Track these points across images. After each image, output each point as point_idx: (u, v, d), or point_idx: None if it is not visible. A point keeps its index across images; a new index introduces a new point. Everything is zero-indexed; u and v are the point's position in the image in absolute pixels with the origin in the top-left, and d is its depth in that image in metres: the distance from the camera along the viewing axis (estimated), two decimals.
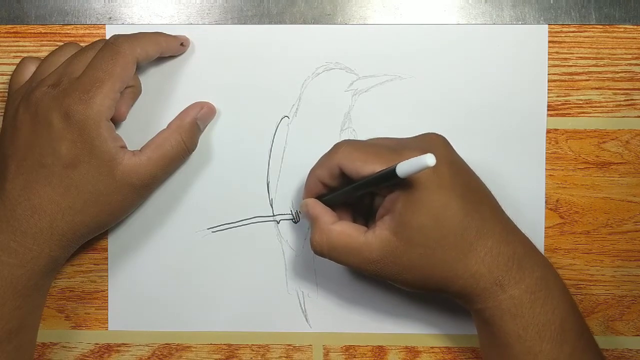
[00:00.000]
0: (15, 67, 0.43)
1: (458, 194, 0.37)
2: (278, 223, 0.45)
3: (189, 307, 0.45)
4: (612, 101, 0.44)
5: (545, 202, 0.45)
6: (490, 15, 0.45)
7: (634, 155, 0.44)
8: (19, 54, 0.45)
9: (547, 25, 0.44)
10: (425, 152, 0.33)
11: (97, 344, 0.46)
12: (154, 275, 0.45)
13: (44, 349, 0.46)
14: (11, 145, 0.40)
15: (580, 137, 0.45)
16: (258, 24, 0.45)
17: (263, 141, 0.45)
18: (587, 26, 0.44)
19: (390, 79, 0.44)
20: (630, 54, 0.44)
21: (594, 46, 0.44)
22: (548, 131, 0.44)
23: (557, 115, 0.44)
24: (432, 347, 0.45)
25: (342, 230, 0.39)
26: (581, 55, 0.44)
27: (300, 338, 0.45)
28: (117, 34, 0.41)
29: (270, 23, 0.45)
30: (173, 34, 0.44)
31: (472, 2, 0.45)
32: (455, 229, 0.37)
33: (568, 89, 0.44)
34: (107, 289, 0.45)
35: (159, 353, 0.46)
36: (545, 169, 0.45)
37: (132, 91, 0.43)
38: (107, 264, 0.45)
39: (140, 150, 0.41)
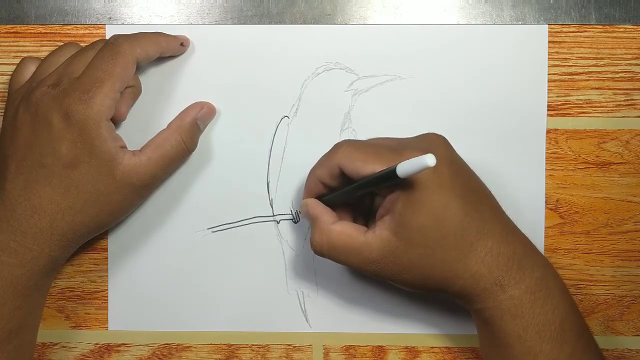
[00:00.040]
0: (15, 67, 0.43)
1: (458, 194, 0.37)
2: (278, 223, 0.45)
3: (189, 307, 0.45)
4: (612, 101, 0.44)
5: (545, 202, 0.45)
6: (490, 15, 0.45)
7: (634, 155, 0.44)
8: (19, 54, 0.45)
9: (547, 25, 0.44)
10: (426, 152, 0.33)
11: (97, 344, 0.46)
12: (154, 275, 0.45)
13: (44, 349, 0.46)
14: (11, 145, 0.40)
15: (580, 137, 0.45)
16: (258, 24, 0.45)
17: (263, 141, 0.45)
18: (587, 26, 0.44)
19: (390, 79, 0.44)
20: (630, 54, 0.44)
21: (594, 46, 0.44)
22: (548, 131, 0.44)
23: (557, 115, 0.44)
24: (432, 347, 0.45)
25: (342, 230, 0.39)
26: (581, 55, 0.44)
27: (300, 338, 0.45)
28: (117, 34, 0.41)
29: (270, 23, 0.45)
30: (173, 34, 0.44)
31: (472, 2, 0.45)
32: (455, 229, 0.37)
33: (568, 89, 0.44)
34: (107, 289, 0.45)
35: (159, 353, 0.46)
36: (545, 169, 0.45)
37: (132, 91, 0.43)
38: (107, 264, 0.45)
39: (140, 150, 0.41)
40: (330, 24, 0.45)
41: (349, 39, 0.44)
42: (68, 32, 0.45)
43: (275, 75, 0.45)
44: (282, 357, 0.46)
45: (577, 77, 0.44)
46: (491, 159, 0.44)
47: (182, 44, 0.44)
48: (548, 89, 0.44)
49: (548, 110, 0.44)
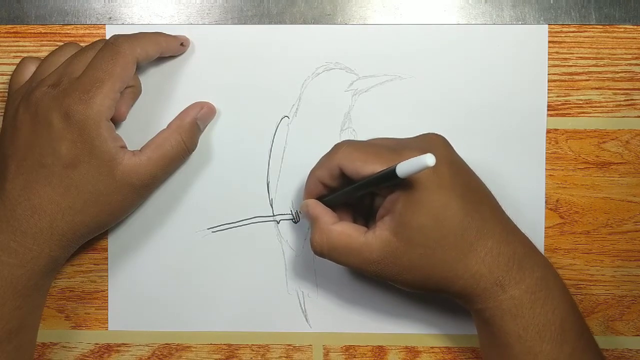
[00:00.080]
0: (15, 67, 0.43)
1: (458, 194, 0.37)
2: (278, 223, 0.45)
3: (189, 307, 0.45)
4: (612, 101, 0.44)
5: (545, 202, 0.45)
6: (490, 15, 0.45)
7: (634, 155, 0.44)
8: (19, 54, 0.45)
9: (547, 25, 0.44)
10: (425, 152, 0.33)
11: (97, 344, 0.46)
12: (154, 275, 0.45)
13: (44, 349, 0.46)
14: (11, 145, 0.40)
15: (580, 137, 0.45)
16: (258, 24, 0.45)
17: (263, 141, 0.45)
18: (587, 26, 0.44)
19: (390, 79, 0.44)
20: (630, 54, 0.44)
21: (594, 46, 0.44)
22: (548, 131, 0.44)
23: (557, 115, 0.44)
24: (432, 347, 0.45)
25: (342, 230, 0.39)
26: (581, 55, 0.44)
27: (300, 338, 0.45)
28: (117, 34, 0.41)
29: (270, 23, 0.45)
30: (173, 34, 0.44)
31: (472, 2, 0.45)
32: (456, 229, 0.37)
33: (568, 89, 0.44)
34: (107, 289, 0.45)
35: (159, 353, 0.46)
36: (545, 169, 0.45)
37: (132, 91, 0.43)
38: (107, 264, 0.45)
39: (140, 150, 0.41)
40: (330, 24, 0.45)
41: (349, 39, 0.44)
42: (68, 32, 0.45)
43: (275, 75, 0.45)
44: (282, 357, 0.46)
45: (577, 77, 0.44)
46: (491, 159, 0.44)
47: (182, 44, 0.44)
48: (548, 89, 0.44)
49: (548, 110, 0.44)
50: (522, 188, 0.44)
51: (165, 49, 0.43)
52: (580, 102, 0.44)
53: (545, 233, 0.45)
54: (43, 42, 0.45)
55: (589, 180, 0.45)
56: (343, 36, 0.44)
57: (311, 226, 0.41)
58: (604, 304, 0.45)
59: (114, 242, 0.45)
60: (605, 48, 0.44)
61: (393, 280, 0.39)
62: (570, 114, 0.44)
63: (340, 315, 0.45)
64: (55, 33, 0.45)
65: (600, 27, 0.44)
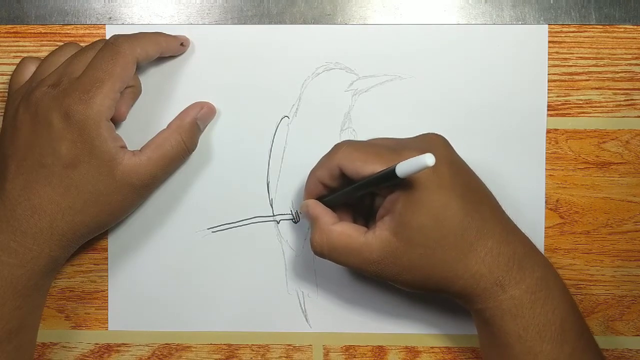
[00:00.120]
0: (15, 67, 0.43)
1: (458, 194, 0.37)
2: (278, 223, 0.45)
3: (189, 307, 0.45)
4: (612, 101, 0.44)
5: (545, 202, 0.45)
6: (490, 15, 0.45)
7: (634, 155, 0.44)
8: (19, 54, 0.45)
9: (547, 25, 0.44)
10: (425, 152, 0.33)
11: (97, 344, 0.46)
12: (154, 275, 0.45)
13: (44, 349, 0.46)
14: (11, 145, 0.40)
15: (580, 137, 0.45)
16: (258, 24, 0.45)
17: (263, 141, 0.45)
18: (587, 26, 0.44)
19: (390, 79, 0.44)
20: (630, 54, 0.44)
21: (594, 46, 0.44)
22: (548, 131, 0.44)
23: (557, 115, 0.44)
24: (432, 347, 0.45)
25: (343, 230, 0.39)
26: (581, 55, 0.44)
27: (300, 338, 0.45)
28: (117, 34, 0.41)
29: (270, 23, 0.45)
30: (173, 34, 0.44)
31: (472, 2, 0.45)
32: (455, 229, 0.37)
33: (568, 89, 0.44)
34: (107, 289, 0.45)
35: (159, 353, 0.46)
36: (545, 169, 0.45)
37: (132, 91, 0.43)
38: (107, 264, 0.45)
39: (140, 150, 0.41)
40: (330, 24, 0.45)
41: (349, 39, 0.44)
42: (68, 32, 0.45)
43: (275, 75, 0.45)
44: (282, 357, 0.46)
45: (577, 77, 0.44)
46: (491, 159, 0.44)
47: (182, 44, 0.44)
48: (548, 89, 0.44)
49: (548, 110, 0.44)
50: (522, 188, 0.44)
51: (165, 49, 0.43)
52: (580, 102, 0.44)
53: (545, 233, 0.45)
54: (43, 42, 0.45)
55: (589, 180, 0.45)
56: (343, 36, 0.44)
57: (311, 226, 0.41)
58: (604, 304, 0.45)
59: (114, 242, 0.45)
60: (605, 48, 0.44)
61: (393, 280, 0.39)
62: (570, 114, 0.44)
63: (340, 315, 0.45)
64: (55, 33, 0.45)
65: (600, 27, 0.44)
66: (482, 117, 0.44)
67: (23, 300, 0.39)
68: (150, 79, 0.44)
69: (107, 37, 0.43)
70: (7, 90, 0.43)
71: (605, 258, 0.45)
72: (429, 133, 0.40)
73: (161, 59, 0.44)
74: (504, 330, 0.38)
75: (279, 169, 0.45)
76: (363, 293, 0.45)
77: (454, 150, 0.40)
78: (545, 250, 0.45)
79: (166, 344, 0.46)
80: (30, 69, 0.42)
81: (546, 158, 0.44)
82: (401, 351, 0.45)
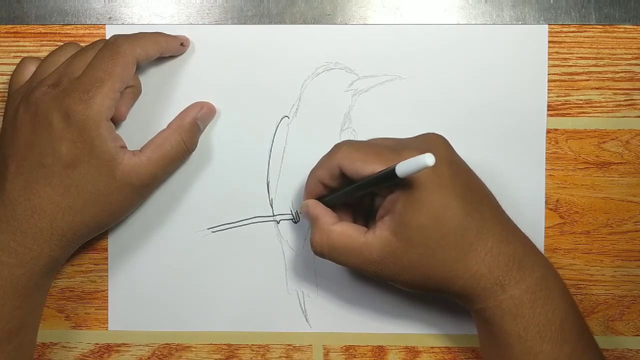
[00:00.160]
0: (15, 67, 0.43)
1: (458, 194, 0.37)
2: (278, 223, 0.45)
3: (189, 307, 0.45)
4: (612, 101, 0.44)
5: (545, 202, 0.45)
6: (490, 15, 0.45)
7: (634, 155, 0.44)
8: (19, 54, 0.45)
9: (547, 25, 0.44)
10: (425, 152, 0.33)
11: (97, 344, 0.46)
12: (154, 275, 0.45)
13: (44, 349, 0.46)
14: (11, 145, 0.40)
15: (580, 137, 0.45)
16: (258, 24, 0.45)
17: (263, 141, 0.45)
18: (587, 26, 0.44)
19: (390, 79, 0.44)
20: (630, 54, 0.44)
21: (594, 46, 0.44)
22: (548, 131, 0.44)
23: (557, 115, 0.44)
24: (432, 347, 0.45)
25: (343, 230, 0.39)
26: (581, 55, 0.44)
27: (300, 338, 0.45)
28: (117, 34, 0.41)
29: (270, 23, 0.45)
30: (173, 34, 0.44)
31: (472, 2, 0.45)
32: (455, 229, 0.37)
33: (568, 89, 0.44)
34: (107, 289, 0.45)
35: (159, 353, 0.46)
36: (545, 169, 0.45)
37: (132, 91, 0.43)
38: (107, 264, 0.45)
39: (140, 150, 0.41)
40: (330, 24, 0.45)
41: (349, 39, 0.44)
42: (68, 32, 0.45)
43: (275, 75, 0.45)
44: (282, 357, 0.46)
45: (577, 77, 0.44)
46: (491, 159, 0.44)
47: (182, 44, 0.44)
48: (548, 89, 0.44)
49: (548, 110, 0.44)
50: (522, 188, 0.44)
51: (165, 49, 0.43)
52: (580, 102, 0.44)
53: (545, 233, 0.45)
54: (43, 42, 0.45)
55: (589, 180, 0.45)
56: (343, 36, 0.44)
57: (311, 226, 0.41)
58: (604, 304, 0.45)
59: (114, 242, 0.45)
60: (605, 48, 0.44)
61: (393, 280, 0.39)
62: (570, 114, 0.44)
63: (340, 315, 0.45)
64: (55, 33, 0.45)
65: (600, 27, 0.44)
66: (482, 117, 0.44)
67: (23, 300, 0.39)
68: (150, 79, 0.44)
69: (107, 37, 0.43)
70: (7, 90, 0.43)
71: (605, 258, 0.45)
72: (429, 133, 0.40)
73: (161, 59, 0.44)
74: (504, 330, 0.38)
75: (279, 169, 0.45)
76: (363, 293, 0.45)
77: (454, 150, 0.40)
78: (545, 250, 0.45)
79: (166, 344, 0.46)
80: (30, 69, 0.42)
81: (546, 158, 0.44)
82: (401, 351, 0.45)
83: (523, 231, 0.40)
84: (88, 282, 0.46)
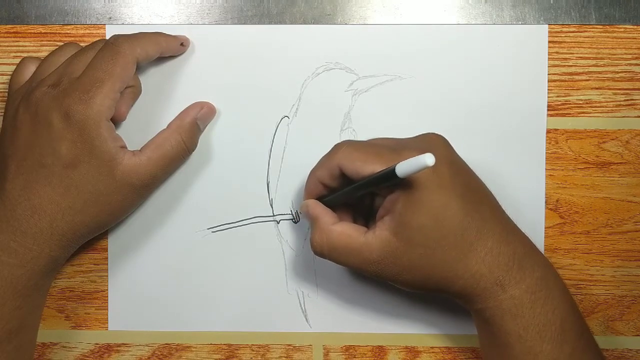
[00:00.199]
0: (15, 67, 0.43)
1: (458, 194, 0.37)
2: (278, 223, 0.45)
3: (189, 307, 0.45)
4: (612, 101, 0.44)
5: (545, 202, 0.45)
6: (490, 15, 0.45)
7: (634, 155, 0.44)
8: (19, 54, 0.45)
9: (547, 25, 0.44)
10: (425, 152, 0.33)
11: (97, 344, 0.46)
12: (154, 275, 0.45)
13: (44, 349, 0.46)
14: (11, 145, 0.40)
15: (580, 137, 0.45)
16: (258, 24, 0.45)
17: (263, 141, 0.45)
18: (587, 26, 0.44)
19: (390, 79, 0.44)
20: (630, 54, 0.44)
21: (594, 46, 0.44)
22: (548, 131, 0.44)
23: (557, 115, 0.44)
24: (432, 347, 0.45)
25: (343, 230, 0.39)
26: (581, 55, 0.44)
27: (300, 338, 0.45)
28: (117, 34, 0.41)
29: (270, 23, 0.45)
30: (173, 34, 0.44)
31: (472, 2, 0.45)
32: (456, 229, 0.37)
33: (568, 89, 0.44)
34: (107, 289, 0.45)
35: (159, 353, 0.46)
36: (545, 169, 0.45)
37: (132, 91, 0.43)
38: (107, 264, 0.45)
39: (140, 150, 0.41)
40: (330, 24, 0.45)
41: (349, 39, 0.44)
42: (68, 32, 0.45)
43: (275, 75, 0.45)
44: (282, 357, 0.46)
45: (577, 77, 0.44)
46: (491, 159, 0.44)
47: (182, 44, 0.44)
48: (548, 89, 0.44)
49: (548, 110, 0.44)
50: (522, 188, 0.44)
51: (165, 49, 0.43)
52: (580, 102, 0.44)
53: (545, 233, 0.45)
54: (43, 42, 0.45)
55: (589, 180, 0.45)
56: (343, 36, 0.44)
57: (311, 226, 0.41)
58: (604, 304, 0.45)
59: (114, 242, 0.45)
60: (605, 48, 0.44)
61: (393, 280, 0.39)
62: (570, 114, 0.44)
63: (340, 315, 0.45)
64: (55, 33, 0.45)
65: (600, 27, 0.44)
66: (482, 117, 0.44)
67: (23, 300, 0.39)
68: (150, 79, 0.44)
69: (107, 37, 0.43)
70: (7, 90, 0.43)
71: (605, 258, 0.45)
72: (429, 133, 0.40)
73: (161, 59, 0.44)
74: (504, 330, 0.38)
75: (279, 169, 0.45)
76: (363, 293, 0.45)
77: (454, 150, 0.40)
78: (545, 250, 0.45)
79: (166, 344, 0.46)
80: (30, 69, 0.42)
81: (546, 158, 0.44)
82: (401, 351, 0.45)
83: (523, 231, 0.40)
84: (88, 282, 0.46)
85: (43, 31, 0.45)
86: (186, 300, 0.45)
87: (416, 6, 0.45)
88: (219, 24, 0.45)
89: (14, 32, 0.45)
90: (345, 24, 0.45)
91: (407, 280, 0.38)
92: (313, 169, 0.41)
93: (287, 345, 0.45)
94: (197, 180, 0.45)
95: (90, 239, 0.42)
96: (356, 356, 0.45)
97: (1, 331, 0.38)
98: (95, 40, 0.43)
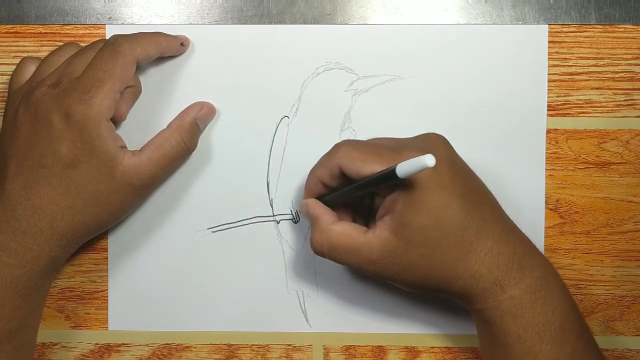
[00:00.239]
0: (15, 67, 0.43)
1: (458, 194, 0.37)
2: (278, 223, 0.45)
3: (189, 307, 0.45)
4: (612, 101, 0.44)
5: (545, 202, 0.45)
6: (490, 15, 0.45)
7: (634, 155, 0.44)
8: (19, 54, 0.45)
9: (547, 25, 0.44)
10: (425, 152, 0.33)
11: (97, 344, 0.46)
12: (154, 275, 0.45)
13: (44, 349, 0.46)
14: (11, 145, 0.40)
15: (580, 137, 0.45)
16: (258, 24, 0.45)
17: (263, 141, 0.45)
18: (587, 26, 0.44)
19: (390, 79, 0.44)
20: (630, 54, 0.44)
21: (594, 46, 0.44)
22: (548, 131, 0.44)
23: (557, 115, 0.44)
24: (432, 347, 0.45)
25: (342, 230, 0.39)
26: (581, 55, 0.44)
27: (300, 338, 0.45)
28: (117, 34, 0.41)
29: (270, 23, 0.45)
30: (173, 34, 0.44)
31: (472, 2, 0.45)
32: (455, 229, 0.37)
33: (568, 89, 0.44)
34: (107, 289, 0.45)
35: (159, 353, 0.46)
36: (545, 169, 0.45)
37: (132, 91, 0.43)
38: (107, 264, 0.45)
39: (140, 150, 0.41)
40: (330, 24, 0.45)
41: (349, 39, 0.44)
42: (68, 32, 0.45)
43: (275, 75, 0.45)
44: (282, 357, 0.46)
45: (577, 77, 0.44)
46: (491, 159, 0.44)
47: (182, 44, 0.44)
48: (548, 89, 0.44)
49: (548, 110, 0.44)
50: (522, 188, 0.44)
51: (165, 49, 0.43)
52: (580, 102, 0.44)
53: (545, 233, 0.45)
54: (43, 42, 0.45)
55: (589, 180, 0.45)
56: (343, 36, 0.44)
57: (311, 225, 0.41)
58: (604, 304, 0.45)
59: (114, 242, 0.45)
60: (605, 48, 0.44)
61: (393, 280, 0.39)
62: (570, 114, 0.44)
63: (340, 315, 0.45)
64: (55, 33, 0.45)
65: (600, 27, 0.44)
66: (482, 117, 0.44)
67: (23, 300, 0.39)
68: (150, 79, 0.44)
69: (107, 37, 0.43)
70: (7, 90, 0.43)
71: (605, 258, 0.45)
72: (429, 133, 0.40)
73: (161, 59, 0.44)
74: (504, 330, 0.38)
75: (279, 169, 0.45)
76: (363, 293, 0.45)
77: (454, 150, 0.40)
78: (545, 250, 0.45)
79: (166, 344, 0.46)
80: (30, 69, 0.42)
81: (546, 158, 0.44)
82: (401, 351, 0.45)
83: (523, 231, 0.40)
84: (88, 282, 0.46)
85: (43, 31, 0.45)
86: (186, 300, 0.45)
87: (416, 6, 0.45)
88: (219, 24, 0.45)
89: (14, 32, 0.45)
90: (345, 24, 0.45)
91: (407, 280, 0.38)
92: (313, 168, 0.41)
93: (287, 345, 0.45)
94: (197, 180, 0.45)
95: (90, 239, 0.42)
96: (356, 356, 0.45)
97: (1, 331, 0.38)
98: (95, 40, 0.43)
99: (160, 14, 0.45)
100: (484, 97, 0.44)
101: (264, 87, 0.45)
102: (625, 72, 0.44)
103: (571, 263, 0.45)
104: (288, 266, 0.45)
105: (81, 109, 0.38)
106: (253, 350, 0.45)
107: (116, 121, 0.43)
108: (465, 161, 0.40)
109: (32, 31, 0.45)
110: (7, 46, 0.45)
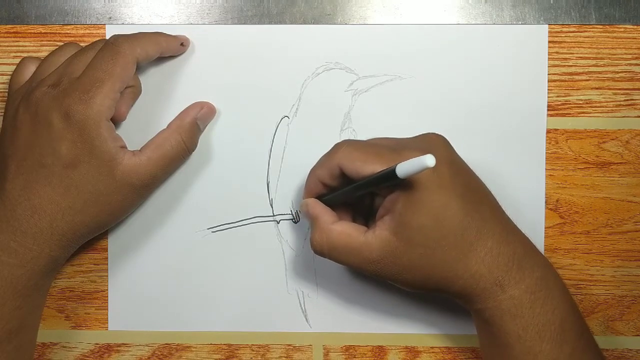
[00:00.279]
0: (15, 67, 0.43)
1: (458, 194, 0.37)
2: (278, 223, 0.45)
3: (189, 307, 0.45)
4: (612, 101, 0.44)
5: (545, 202, 0.45)
6: (490, 15, 0.45)
7: (634, 155, 0.44)
8: (19, 54, 0.45)
9: (547, 25, 0.44)
10: (425, 152, 0.33)
11: (97, 344, 0.46)
12: (154, 275, 0.45)
13: (44, 349, 0.46)
14: (11, 145, 0.40)
15: (580, 137, 0.45)
16: (258, 24, 0.45)
17: (263, 141, 0.45)
18: (587, 26, 0.44)
19: (390, 79, 0.44)
20: (630, 54, 0.44)
21: (594, 46, 0.44)
22: (548, 131, 0.44)
23: (557, 115, 0.44)
24: (432, 347, 0.45)
25: (342, 230, 0.39)
26: (581, 55, 0.44)
27: (300, 338, 0.45)
28: (117, 34, 0.41)
29: (270, 23, 0.45)
30: (173, 34, 0.44)
31: (472, 2, 0.45)
32: (455, 229, 0.37)
33: (568, 89, 0.44)
34: (107, 289, 0.45)
35: (159, 353, 0.46)
36: (545, 169, 0.45)
37: (132, 91, 0.43)
38: (107, 264, 0.45)
39: (140, 150, 0.41)
40: (330, 24, 0.45)
41: (349, 39, 0.44)
42: (68, 32, 0.45)
43: (275, 75, 0.45)
44: (282, 357, 0.46)
45: (577, 77, 0.44)
46: (491, 159, 0.44)
47: (182, 44, 0.44)
48: (548, 89, 0.44)
49: (548, 110, 0.44)
50: (522, 188, 0.44)
51: (165, 49, 0.43)
52: (580, 102, 0.44)
53: (545, 233, 0.45)
54: (43, 42, 0.45)
55: (589, 180, 0.45)
56: (343, 36, 0.44)
57: (311, 225, 0.41)
58: (604, 304, 0.45)
59: (114, 242, 0.45)
60: (605, 48, 0.44)
61: (393, 280, 0.39)
62: (570, 114, 0.44)
63: (340, 315, 0.45)
64: (55, 33, 0.45)
65: (600, 27, 0.44)
66: (482, 117, 0.44)
67: (23, 300, 0.39)
68: (150, 79, 0.44)
69: (107, 37, 0.43)
70: (7, 90, 0.43)
71: (605, 258, 0.45)
72: (429, 133, 0.40)
73: (161, 59, 0.44)
74: (504, 330, 0.38)
75: (279, 169, 0.45)
76: (363, 293, 0.45)
77: (454, 150, 0.40)
78: (545, 250, 0.45)
79: (166, 344, 0.46)
80: (30, 69, 0.42)
81: (546, 158, 0.44)
82: (401, 351, 0.45)
83: (523, 231, 0.40)
84: (88, 282, 0.46)
85: (43, 31, 0.45)
86: (186, 300, 0.45)
87: (416, 6, 0.45)
88: (219, 24, 0.45)
89: (14, 32, 0.45)
90: (345, 24, 0.45)
91: (407, 280, 0.38)
92: (313, 168, 0.41)
93: (287, 345, 0.45)
94: (197, 180, 0.45)
95: (90, 239, 0.42)
96: (356, 356, 0.45)
97: (1, 331, 0.38)
98: (95, 40, 0.43)
99: (160, 14, 0.45)
100: (484, 97, 0.44)
101: (264, 87, 0.45)
102: (625, 72, 0.44)
103: (571, 263, 0.45)
104: (288, 266, 0.45)
105: (81, 109, 0.38)
106: (253, 350, 0.46)
107: (116, 121, 0.43)
108: (465, 161, 0.40)
109: (32, 31, 0.45)
110: (7, 46, 0.45)
